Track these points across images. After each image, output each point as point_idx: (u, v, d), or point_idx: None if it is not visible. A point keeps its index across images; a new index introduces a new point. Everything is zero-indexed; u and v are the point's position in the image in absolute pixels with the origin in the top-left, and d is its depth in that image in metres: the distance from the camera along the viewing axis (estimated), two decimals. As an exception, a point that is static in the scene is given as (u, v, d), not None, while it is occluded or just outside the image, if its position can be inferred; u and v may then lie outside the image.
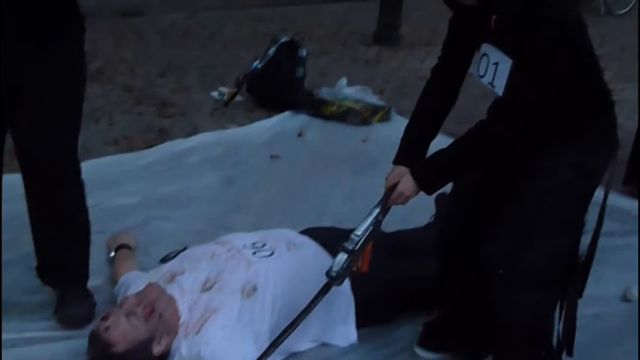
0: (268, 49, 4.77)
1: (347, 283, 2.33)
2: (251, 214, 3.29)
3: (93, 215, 2.56)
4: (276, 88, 4.62)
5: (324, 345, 2.48)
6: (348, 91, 4.65)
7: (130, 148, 3.89)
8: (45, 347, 2.38)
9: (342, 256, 2.13)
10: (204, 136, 4.08)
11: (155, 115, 4.43)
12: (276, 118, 4.41)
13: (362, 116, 4.46)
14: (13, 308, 2.50)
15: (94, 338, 2.22)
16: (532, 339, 2.15)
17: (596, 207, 2.10)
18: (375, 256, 2.20)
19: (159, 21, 6.44)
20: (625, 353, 2.50)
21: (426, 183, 2.12)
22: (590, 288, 2.16)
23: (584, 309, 2.20)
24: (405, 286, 2.54)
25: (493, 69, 2.03)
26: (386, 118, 4.52)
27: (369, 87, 4.80)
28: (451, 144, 2.06)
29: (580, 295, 2.15)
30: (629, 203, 3.46)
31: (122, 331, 2.19)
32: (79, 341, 2.33)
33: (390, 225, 2.40)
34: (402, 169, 2.16)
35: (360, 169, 3.81)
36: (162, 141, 4.00)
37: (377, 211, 2.17)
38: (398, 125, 3.68)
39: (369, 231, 2.15)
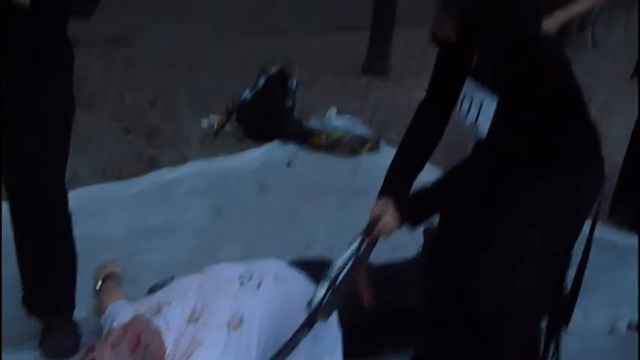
0: (258, 80, 4.79)
1: (334, 314, 2.32)
2: (239, 244, 3.28)
3: (80, 245, 2.55)
4: (266, 118, 4.63)
5: (310, 377, 2.46)
6: (337, 122, 4.68)
7: (119, 177, 3.88)
8: (30, 378, 2.35)
9: (322, 288, 2.11)
10: (193, 166, 4.07)
11: (144, 144, 4.43)
12: (264, 148, 4.41)
13: (351, 147, 4.48)
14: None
15: (80, 370, 2.20)
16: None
17: (582, 239, 2.11)
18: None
19: (149, 49, 6.45)
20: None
21: (409, 218, 2.13)
22: (578, 319, 2.16)
23: (571, 341, 2.20)
24: (393, 319, 2.54)
25: (476, 109, 2.04)
26: (375, 148, 4.54)
27: (358, 117, 4.82)
28: (436, 180, 2.08)
29: (566, 326, 2.15)
30: (615, 236, 3.47)
31: (108, 363, 2.17)
32: (64, 373, 2.31)
33: (378, 256, 2.41)
34: (387, 202, 2.16)
35: (348, 200, 3.81)
36: (151, 170, 3.98)
37: (358, 240, 2.16)
38: (387, 156, 3.63)
39: (350, 261, 2.13)
